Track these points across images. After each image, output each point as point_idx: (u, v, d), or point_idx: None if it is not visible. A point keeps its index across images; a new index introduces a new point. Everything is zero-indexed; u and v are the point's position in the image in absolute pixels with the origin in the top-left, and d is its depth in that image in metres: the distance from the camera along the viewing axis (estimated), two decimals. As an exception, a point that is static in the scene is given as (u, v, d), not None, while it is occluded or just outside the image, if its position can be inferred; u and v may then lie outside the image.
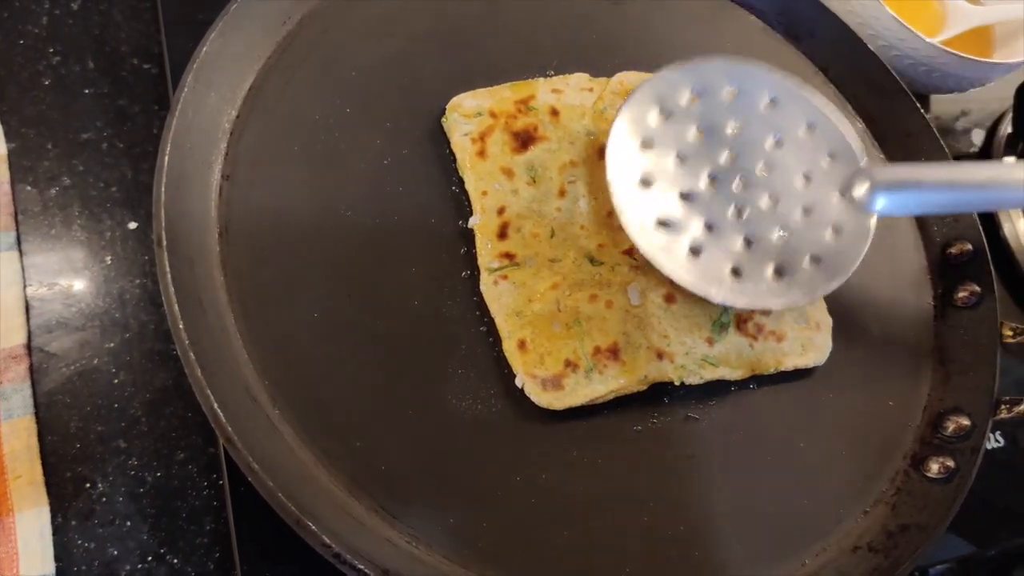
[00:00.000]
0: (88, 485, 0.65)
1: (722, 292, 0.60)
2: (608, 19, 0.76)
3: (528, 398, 0.59)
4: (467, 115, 0.66)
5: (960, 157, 0.86)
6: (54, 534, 0.62)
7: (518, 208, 0.63)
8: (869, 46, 0.79)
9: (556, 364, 0.59)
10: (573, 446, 0.59)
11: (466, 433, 0.58)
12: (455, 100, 0.66)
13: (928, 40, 0.83)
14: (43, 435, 0.65)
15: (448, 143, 0.66)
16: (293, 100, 0.64)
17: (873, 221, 0.64)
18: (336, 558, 0.49)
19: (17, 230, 0.72)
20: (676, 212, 0.61)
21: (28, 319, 0.69)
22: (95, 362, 0.69)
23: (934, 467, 0.63)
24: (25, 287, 0.70)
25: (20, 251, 0.71)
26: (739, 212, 0.63)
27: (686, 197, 0.62)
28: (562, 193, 0.65)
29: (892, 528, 0.61)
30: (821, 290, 0.62)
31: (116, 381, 0.68)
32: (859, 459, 0.64)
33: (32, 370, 0.67)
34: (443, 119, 0.66)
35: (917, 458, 0.65)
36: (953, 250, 0.73)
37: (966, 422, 0.64)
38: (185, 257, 0.55)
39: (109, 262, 0.72)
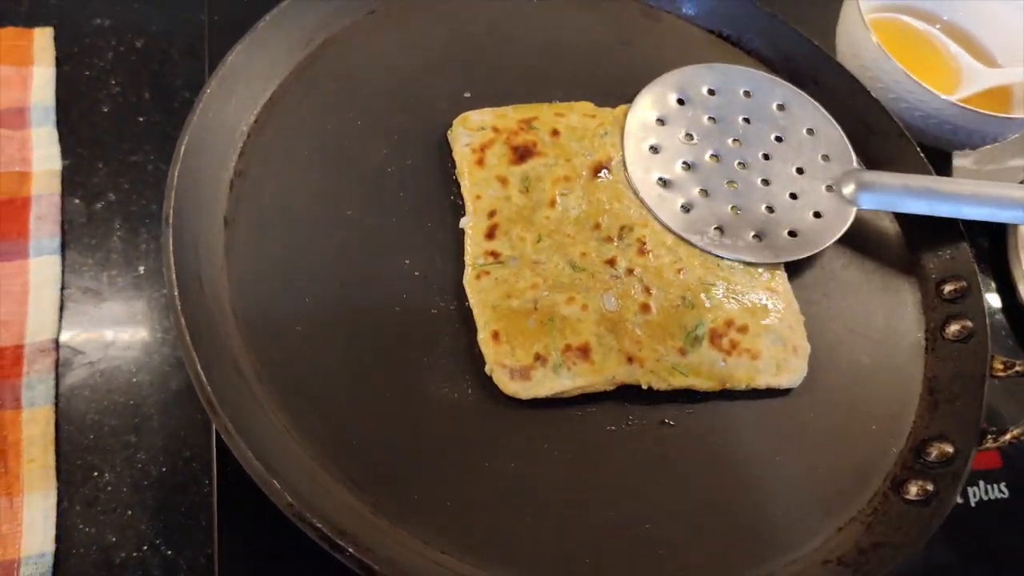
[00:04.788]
0: (96, 474, 0.68)
1: (703, 241, 0.69)
2: (616, 57, 0.81)
3: (500, 390, 0.61)
4: (471, 129, 0.70)
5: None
6: (59, 517, 0.66)
7: (508, 213, 0.67)
8: (882, 102, 0.82)
9: (526, 356, 0.61)
10: (545, 440, 0.60)
11: (439, 418, 0.60)
12: (463, 115, 0.71)
13: (944, 97, 0.84)
14: (60, 424, 0.69)
15: (451, 157, 0.70)
16: (308, 111, 0.69)
17: (853, 211, 0.73)
18: (297, 517, 0.51)
19: (62, 237, 0.77)
20: (676, 174, 0.71)
21: (61, 317, 0.74)
22: (117, 362, 0.73)
23: (913, 489, 0.63)
24: (63, 289, 0.75)
25: (63, 256, 0.77)
26: (732, 185, 0.72)
27: (688, 166, 0.72)
28: (552, 204, 0.68)
29: (865, 545, 0.60)
30: (790, 255, 0.70)
31: (134, 380, 0.72)
32: (837, 478, 0.64)
33: (58, 364, 0.72)
34: (449, 131, 0.71)
35: (897, 480, 0.64)
36: (947, 287, 0.73)
37: (949, 449, 0.64)
38: (190, 238, 0.59)
39: (141, 272, 0.77)
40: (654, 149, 0.72)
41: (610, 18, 0.83)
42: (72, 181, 0.81)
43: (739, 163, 0.73)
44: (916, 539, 0.59)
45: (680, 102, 0.75)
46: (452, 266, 0.65)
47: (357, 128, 0.70)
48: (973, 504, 0.76)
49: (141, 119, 0.86)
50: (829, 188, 0.73)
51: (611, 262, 0.66)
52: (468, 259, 0.65)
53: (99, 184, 0.81)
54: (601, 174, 0.70)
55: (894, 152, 0.80)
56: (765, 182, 0.72)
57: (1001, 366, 0.66)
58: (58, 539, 0.65)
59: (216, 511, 0.63)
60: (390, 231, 0.66)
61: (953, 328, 0.70)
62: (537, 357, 0.61)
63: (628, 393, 0.63)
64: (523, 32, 0.80)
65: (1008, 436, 0.63)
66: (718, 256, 0.69)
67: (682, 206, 0.70)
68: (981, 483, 0.78)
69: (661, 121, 0.73)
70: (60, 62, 0.87)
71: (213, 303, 0.59)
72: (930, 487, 0.62)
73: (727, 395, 0.64)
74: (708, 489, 0.61)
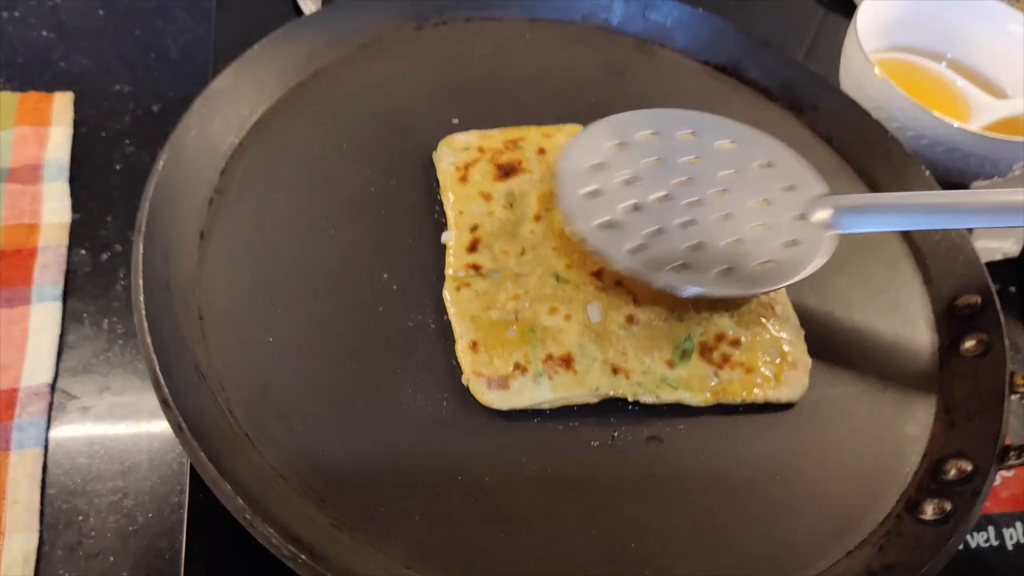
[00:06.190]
0: (81, 518, 0.66)
1: (664, 278, 0.60)
2: (610, 87, 0.80)
3: (478, 402, 0.58)
4: (456, 149, 0.69)
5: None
6: (39, 561, 0.63)
7: (491, 228, 0.65)
8: (893, 132, 0.79)
9: (505, 366, 0.59)
10: (523, 454, 0.57)
11: (411, 429, 0.57)
12: (449, 137, 0.71)
13: (955, 124, 0.81)
14: (48, 467, 0.68)
15: (436, 177, 0.69)
16: (294, 134, 0.70)
17: (834, 236, 0.64)
18: (248, 523, 0.48)
19: (65, 286, 0.78)
20: (623, 217, 0.63)
21: (58, 362, 0.73)
22: (110, 407, 0.72)
23: (929, 509, 0.57)
24: (62, 335, 0.75)
25: (64, 303, 0.77)
26: (691, 223, 0.63)
27: (637, 208, 0.63)
28: (538, 218, 0.66)
29: (876, 567, 0.55)
30: (768, 285, 0.62)
31: (126, 426, 0.71)
32: (846, 500, 0.59)
33: (51, 408, 0.71)
34: (434, 152, 0.70)
35: (912, 502, 0.59)
36: (960, 302, 0.69)
37: (968, 466, 0.58)
38: (162, 248, 0.59)
39: (140, 321, 0.77)
40: (594, 194, 0.63)
41: (603, 52, 0.83)
42: (81, 233, 0.82)
43: (695, 200, 0.64)
44: (930, 558, 0.54)
45: (619, 146, 0.67)
46: (432, 281, 0.63)
47: (342, 151, 0.70)
48: (1010, 547, 0.70)
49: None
50: (801, 217, 0.65)
51: (597, 274, 0.64)
52: (449, 271, 0.63)
53: (107, 236, 0.82)
54: None
55: (899, 172, 0.77)
56: (728, 216, 0.64)
57: (1022, 382, 0.62)
58: (35, 584, 0.62)
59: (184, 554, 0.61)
60: (369, 246, 0.65)
61: (969, 343, 0.66)
62: (516, 366, 0.59)
63: (614, 407, 0.60)
64: (514, 64, 0.80)
65: (1032, 451, 0.57)
66: (680, 295, 0.61)
67: (639, 246, 0.61)
68: (1019, 524, 0.72)
69: (599, 167, 0.65)
70: (78, 124, 0.90)
71: (180, 309, 0.58)
72: (947, 506, 0.57)
73: (721, 410, 0.61)
74: (701, 510, 0.57)
